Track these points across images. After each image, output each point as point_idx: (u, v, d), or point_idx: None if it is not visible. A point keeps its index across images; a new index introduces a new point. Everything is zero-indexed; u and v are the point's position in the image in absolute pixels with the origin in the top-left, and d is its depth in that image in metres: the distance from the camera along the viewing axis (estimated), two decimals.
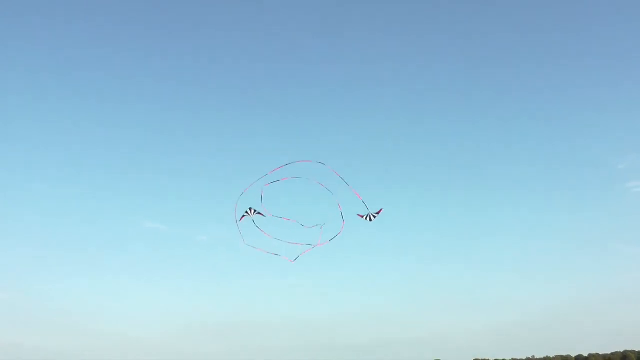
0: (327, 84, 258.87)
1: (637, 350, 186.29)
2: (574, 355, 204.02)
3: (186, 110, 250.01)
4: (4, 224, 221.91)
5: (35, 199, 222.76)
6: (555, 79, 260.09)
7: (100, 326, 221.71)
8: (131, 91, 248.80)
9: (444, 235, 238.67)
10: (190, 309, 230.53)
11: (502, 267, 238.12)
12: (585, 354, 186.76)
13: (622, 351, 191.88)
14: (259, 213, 17.35)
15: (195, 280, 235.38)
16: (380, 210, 18.04)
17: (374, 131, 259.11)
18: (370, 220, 18.38)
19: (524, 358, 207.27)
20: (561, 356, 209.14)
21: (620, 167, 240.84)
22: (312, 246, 18.42)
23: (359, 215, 18.49)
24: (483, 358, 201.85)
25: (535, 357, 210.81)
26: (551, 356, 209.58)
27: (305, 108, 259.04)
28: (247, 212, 17.36)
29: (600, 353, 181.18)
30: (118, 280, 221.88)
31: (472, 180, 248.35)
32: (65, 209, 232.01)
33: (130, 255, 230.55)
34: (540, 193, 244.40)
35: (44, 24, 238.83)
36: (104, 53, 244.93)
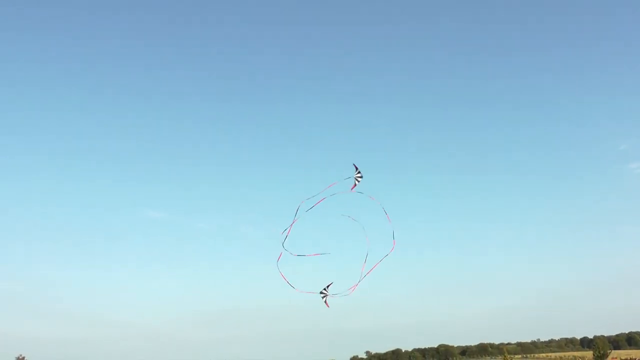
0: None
1: None
2: (578, 337, 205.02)
3: (188, 99, 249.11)
4: (5, 214, 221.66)
5: (36, 189, 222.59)
6: (558, 62, 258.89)
7: (101, 314, 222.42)
8: (132, 80, 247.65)
9: (446, 220, 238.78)
10: (190, 295, 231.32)
11: (506, 251, 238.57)
12: (590, 336, 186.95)
13: (627, 332, 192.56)
14: (325, 301, 17.87)
15: (196, 267, 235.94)
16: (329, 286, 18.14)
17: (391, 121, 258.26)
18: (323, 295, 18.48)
19: (529, 341, 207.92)
20: (566, 339, 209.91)
21: (622, 148, 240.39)
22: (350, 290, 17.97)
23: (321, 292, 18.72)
24: (489, 342, 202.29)
25: (540, 340, 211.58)
26: (556, 339, 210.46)
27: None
28: (324, 290, 17.91)
29: (606, 335, 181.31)
30: (119, 268, 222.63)
31: (474, 165, 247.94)
32: (66, 198, 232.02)
33: (131, 243, 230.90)
34: (541, 176, 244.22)
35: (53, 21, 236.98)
36: (117, 44, 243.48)
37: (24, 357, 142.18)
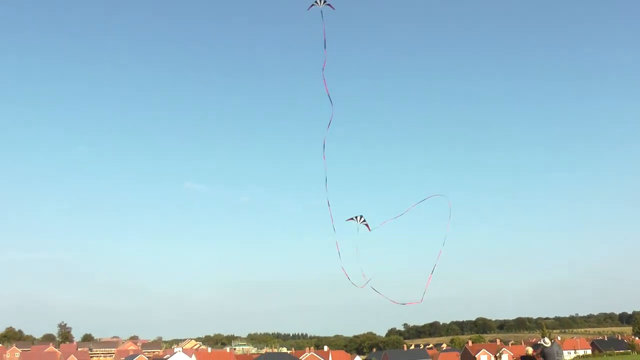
0: None
1: None
2: (617, 313, 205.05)
3: (233, 76, 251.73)
4: (48, 185, 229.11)
5: (78, 162, 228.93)
6: (581, 41, 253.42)
7: (141, 285, 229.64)
8: (183, 59, 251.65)
9: (486, 195, 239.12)
10: (233, 268, 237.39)
11: (546, 226, 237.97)
12: (630, 312, 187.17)
13: None
14: (365, 224, 15.96)
15: (238, 240, 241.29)
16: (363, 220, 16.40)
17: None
18: (357, 221, 16.21)
19: (567, 316, 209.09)
20: (605, 314, 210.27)
21: None
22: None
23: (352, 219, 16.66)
24: (527, 316, 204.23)
25: (579, 315, 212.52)
26: (595, 314, 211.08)
27: None
28: (356, 217, 15.83)
29: None
30: (160, 240, 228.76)
31: (511, 143, 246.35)
32: (106, 170, 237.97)
33: (172, 215, 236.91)
34: (583, 152, 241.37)
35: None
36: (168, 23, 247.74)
37: (65, 324, 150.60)
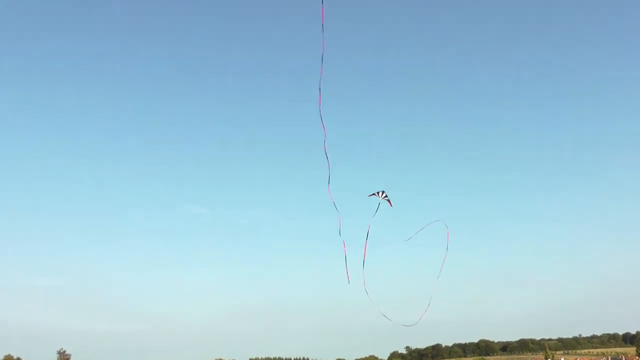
0: None
1: None
2: (621, 333, 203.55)
3: (229, 98, 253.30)
4: (51, 208, 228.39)
5: (78, 183, 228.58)
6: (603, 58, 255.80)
7: (142, 308, 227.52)
8: (164, 78, 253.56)
9: (488, 217, 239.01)
10: (232, 290, 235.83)
11: (548, 247, 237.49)
12: (633, 332, 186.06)
13: None
14: (387, 199, 15.65)
15: (237, 262, 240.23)
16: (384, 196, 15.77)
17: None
18: (379, 196, 15.53)
19: (570, 337, 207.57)
20: (608, 334, 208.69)
21: None
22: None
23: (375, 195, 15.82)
24: (530, 338, 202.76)
25: (582, 336, 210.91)
26: (598, 334, 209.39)
27: None
28: (378, 193, 15.49)
29: None
30: (161, 263, 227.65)
31: (511, 165, 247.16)
32: (107, 193, 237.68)
33: (173, 238, 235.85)
34: (586, 176, 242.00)
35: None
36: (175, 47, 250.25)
37: (64, 351, 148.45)
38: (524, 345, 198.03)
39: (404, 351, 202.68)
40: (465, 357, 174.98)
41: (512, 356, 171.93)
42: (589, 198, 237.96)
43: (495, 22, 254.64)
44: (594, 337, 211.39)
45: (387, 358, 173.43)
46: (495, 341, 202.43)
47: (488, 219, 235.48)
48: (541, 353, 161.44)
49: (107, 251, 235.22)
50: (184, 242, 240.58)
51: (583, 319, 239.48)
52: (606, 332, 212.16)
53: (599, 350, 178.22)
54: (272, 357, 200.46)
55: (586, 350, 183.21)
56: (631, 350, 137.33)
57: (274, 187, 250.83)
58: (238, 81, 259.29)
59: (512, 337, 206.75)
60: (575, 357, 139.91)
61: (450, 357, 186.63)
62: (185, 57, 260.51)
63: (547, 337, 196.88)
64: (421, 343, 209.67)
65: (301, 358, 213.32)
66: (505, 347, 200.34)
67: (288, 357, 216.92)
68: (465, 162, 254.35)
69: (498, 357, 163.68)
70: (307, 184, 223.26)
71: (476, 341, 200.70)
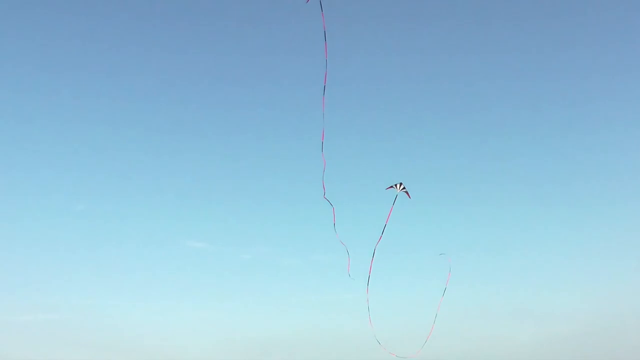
0: None
1: None
2: None
3: (231, 133, 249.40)
4: (47, 244, 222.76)
5: (77, 220, 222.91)
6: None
7: (141, 345, 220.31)
8: (166, 116, 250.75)
9: (483, 247, 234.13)
10: (234, 327, 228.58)
11: (552, 278, 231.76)
12: None
13: None
14: (405, 191, 14.96)
15: (240, 298, 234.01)
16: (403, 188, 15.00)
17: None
18: (397, 189, 14.75)
19: None
20: None
21: None
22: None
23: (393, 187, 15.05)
24: None
25: None
26: None
27: None
28: (396, 185, 14.76)
29: None
30: (162, 299, 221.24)
31: (506, 193, 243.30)
32: (106, 229, 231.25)
33: (174, 274, 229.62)
34: (593, 206, 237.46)
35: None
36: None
37: None
38: None
39: None
40: None
41: None
42: (602, 228, 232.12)
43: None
44: None
45: None
46: None
47: (490, 252, 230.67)
48: None
49: (107, 287, 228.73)
50: (184, 277, 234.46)
51: (589, 351, 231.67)
52: None
53: None
54: None
55: None
56: None
57: (276, 223, 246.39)
58: (240, 117, 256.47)
59: None
60: None
61: None
62: (181, 98, 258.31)
63: None
64: None
65: None
66: None
67: None
68: (472, 194, 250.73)
69: None
70: (310, 220, 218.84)
71: None
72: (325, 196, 15.51)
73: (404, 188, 16.01)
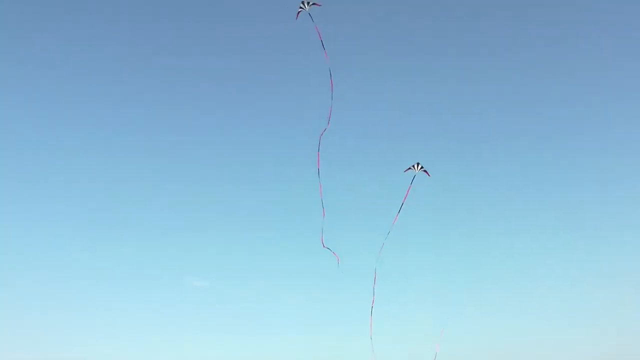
0: None
1: None
2: None
3: (229, 166, 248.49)
4: (41, 285, 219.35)
5: (73, 259, 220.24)
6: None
7: None
8: (169, 145, 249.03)
9: (490, 293, 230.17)
10: None
11: (550, 314, 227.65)
12: None
13: None
14: (424, 170, 14.02)
15: (240, 336, 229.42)
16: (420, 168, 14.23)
17: None
18: (415, 169, 13.87)
19: None
20: None
21: None
22: None
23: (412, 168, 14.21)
24: None
25: None
26: None
27: None
28: (413, 166, 13.86)
29: None
30: (161, 338, 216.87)
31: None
32: (103, 267, 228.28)
33: (174, 312, 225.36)
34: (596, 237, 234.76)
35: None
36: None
37: None
38: None
39: None
40: None
41: None
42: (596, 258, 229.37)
43: None
44: None
45: None
46: None
47: (493, 295, 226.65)
48: None
49: (105, 326, 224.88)
50: (184, 314, 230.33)
51: None
52: None
53: None
54: None
55: None
56: None
57: (276, 260, 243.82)
58: (239, 163, 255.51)
59: None
60: None
61: None
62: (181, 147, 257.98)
63: None
64: None
65: None
66: None
67: None
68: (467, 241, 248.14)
69: None
70: (310, 260, 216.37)
71: None
72: (324, 245, 14.95)
73: (422, 167, 16.05)
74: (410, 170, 16.12)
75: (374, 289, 15.66)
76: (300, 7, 16.20)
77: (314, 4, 15.72)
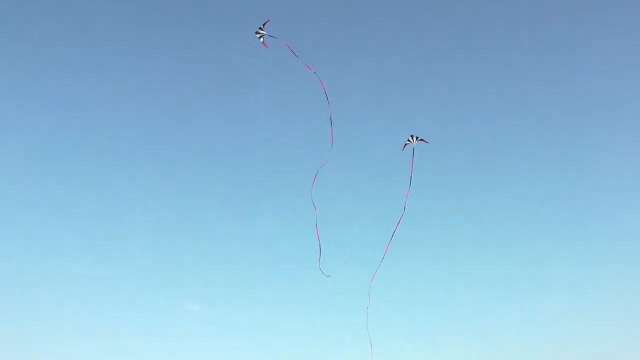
0: None
1: None
2: None
3: (231, 195, 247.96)
4: (38, 310, 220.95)
5: (70, 280, 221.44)
6: None
7: None
8: (166, 159, 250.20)
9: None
10: None
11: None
12: None
13: None
14: (421, 139, 13.87)
15: None
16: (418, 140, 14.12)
17: None
18: (413, 142, 13.69)
19: None
20: None
21: None
22: None
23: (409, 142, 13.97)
24: None
25: None
26: None
27: None
28: (409, 140, 13.65)
29: None
30: None
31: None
32: (100, 290, 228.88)
33: (171, 338, 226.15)
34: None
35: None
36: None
37: None
38: None
39: None
40: None
41: None
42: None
43: None
44: None
45: None
46: None
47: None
48: None
49: (97, 353, 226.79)
50: (183, 341, 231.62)
51: None
52: None
53: None
54: None
55: None
56: None
57: (275, 287, 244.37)
58: (240, 184, 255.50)
59: None
60: None
61: None
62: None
63: None
64: None
65: None
66: None
67: None
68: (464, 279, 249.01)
69: None
70: (308, 285, 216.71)
71: None
72: (321, 270, 15.06)
73: (418, 138, 15.87)
74: (408, 145, 15.68)
75: (367, 313, 15.75)
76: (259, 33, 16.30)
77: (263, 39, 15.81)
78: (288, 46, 15.65)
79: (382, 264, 14.32)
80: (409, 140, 15.92)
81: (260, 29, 15.96)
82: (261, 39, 15.82)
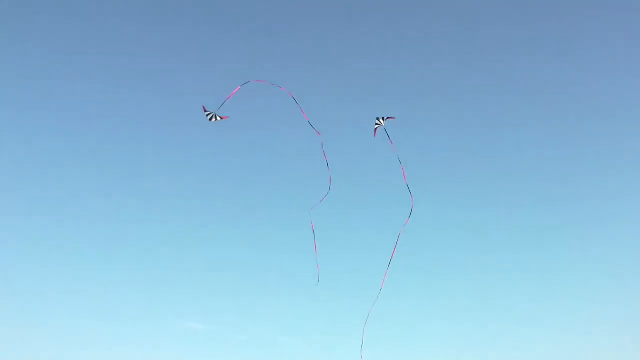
0: None
1: None
2: None
3: (228, 206, 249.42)
4: (34, 323, 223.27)
5: (66, 300, 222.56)
6: None
7: None
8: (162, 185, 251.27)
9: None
10: None
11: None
12: None
13: None
14: (389, 117, 13.53)
15: None
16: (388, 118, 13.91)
17: None
18: (382, 123, 13.54)
19: None
20: None
21: None
22: None
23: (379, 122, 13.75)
24: None
25: None
26: None
27: None
28: (377, 124, 13.42)
29: None
30: None
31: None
32: (97, 307, 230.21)
33: (167, 356, 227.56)
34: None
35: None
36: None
37: None
38: None
39: None
40: None
41: None
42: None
43: None
44: None
45: None
46: None
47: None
48: None
49: None
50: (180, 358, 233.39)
51: None
52: None
53: None
54: None
55: None
56: None
57: (273, 301, 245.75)
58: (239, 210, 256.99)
59: None
60: None
61: None
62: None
63: None
64: None
65: None
66: None
67: None
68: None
69: None
70: (306, 299, 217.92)
71: None
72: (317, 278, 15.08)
73: (385, 117, 15.24)
74: (377, 128, 14.99)
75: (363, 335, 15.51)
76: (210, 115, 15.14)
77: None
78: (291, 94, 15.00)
79: (381, 294, 14.20)
80: (377, 124, 15.33)
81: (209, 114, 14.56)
82: (214, 119, 14.44)
